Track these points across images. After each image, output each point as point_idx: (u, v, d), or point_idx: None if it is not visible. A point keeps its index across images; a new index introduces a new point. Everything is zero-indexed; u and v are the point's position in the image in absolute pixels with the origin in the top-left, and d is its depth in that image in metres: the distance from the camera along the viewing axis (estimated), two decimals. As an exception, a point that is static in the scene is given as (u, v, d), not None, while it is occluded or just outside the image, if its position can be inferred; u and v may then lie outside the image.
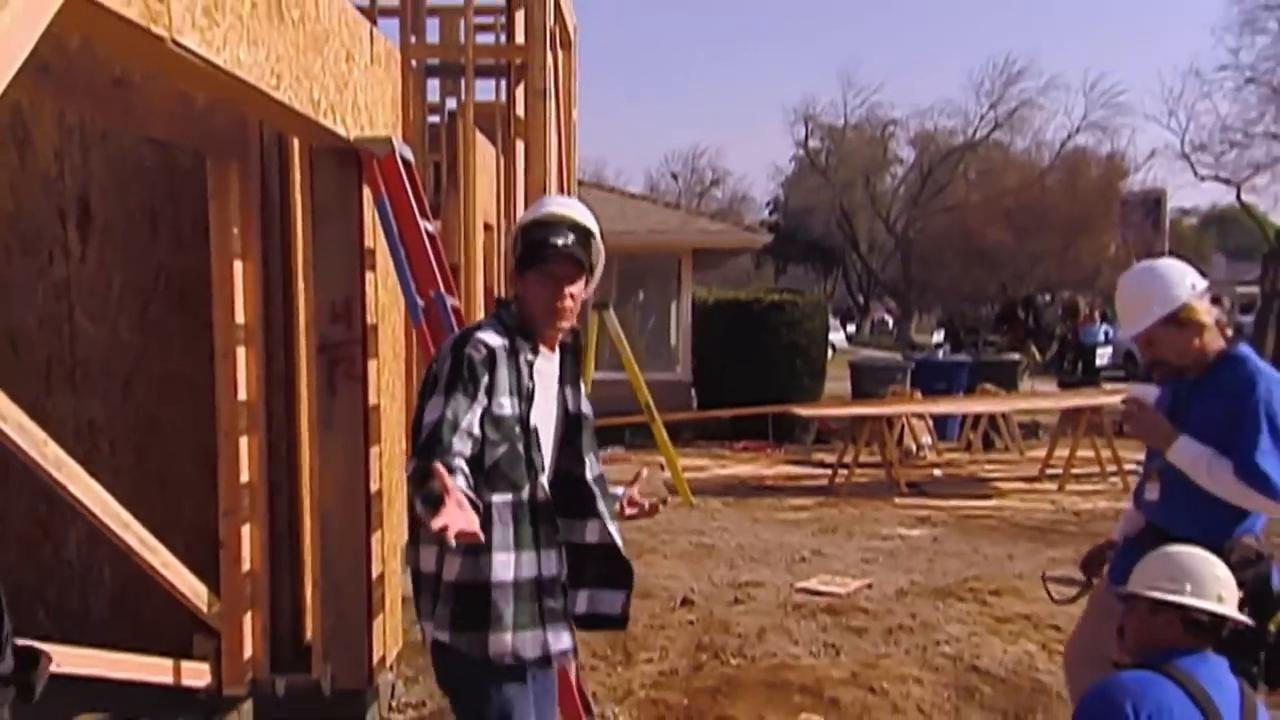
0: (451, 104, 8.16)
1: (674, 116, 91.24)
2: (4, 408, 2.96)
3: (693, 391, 14.81)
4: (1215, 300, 3.00)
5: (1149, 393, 3.10)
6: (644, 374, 9.99)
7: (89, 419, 4.55)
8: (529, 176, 6.74)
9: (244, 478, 4.17)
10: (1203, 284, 2.97)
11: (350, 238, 4.08)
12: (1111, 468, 10.10)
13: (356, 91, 3.89)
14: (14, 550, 4.64)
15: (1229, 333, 3.00)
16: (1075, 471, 10.13)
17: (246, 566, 4.17)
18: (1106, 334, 23.05)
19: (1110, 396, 11.22)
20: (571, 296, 2.59)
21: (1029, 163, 35.22)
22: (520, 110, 6.86)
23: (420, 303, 4.01)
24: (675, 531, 7.92)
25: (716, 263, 20.65)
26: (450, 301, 4.09)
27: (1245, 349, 3.00)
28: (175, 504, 4.42)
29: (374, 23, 8.07)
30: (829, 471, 10.49)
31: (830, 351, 18.02)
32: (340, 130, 3.71)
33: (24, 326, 4.50)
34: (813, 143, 43.05)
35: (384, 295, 4.39)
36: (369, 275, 4.13)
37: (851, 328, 46.86)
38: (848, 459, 10.17)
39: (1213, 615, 2.39)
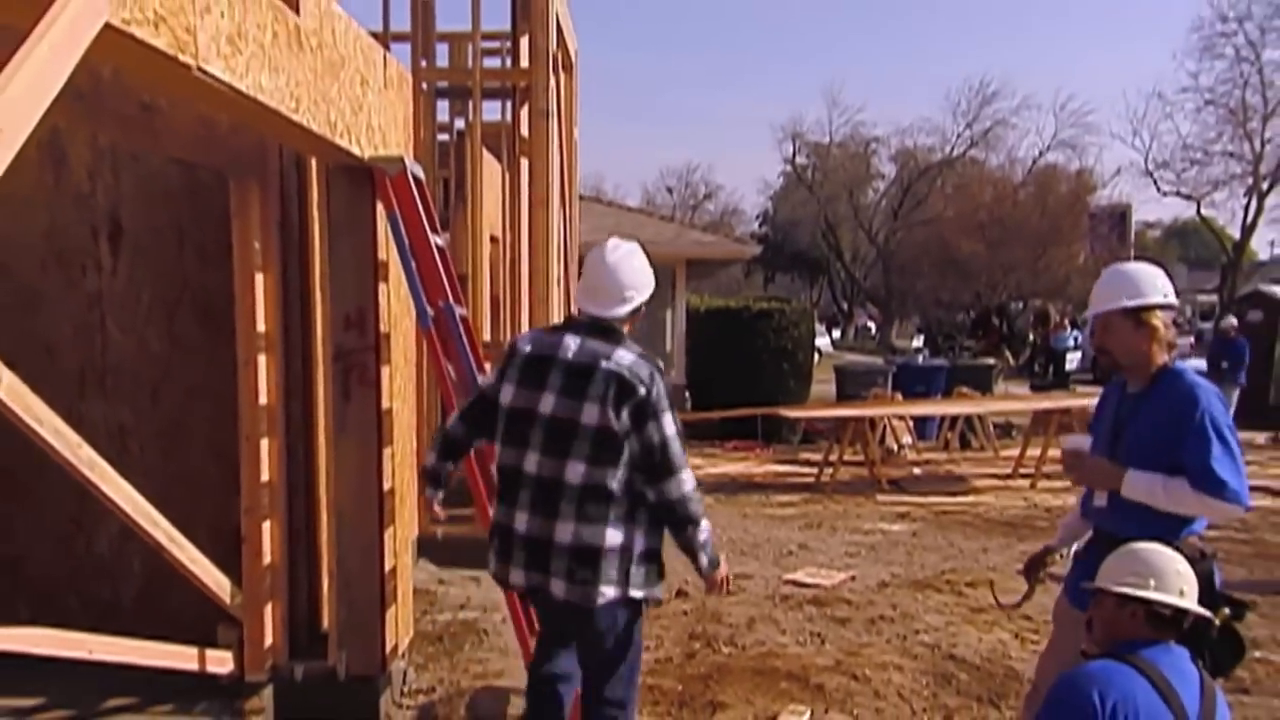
0: (460, 124, 8.17)
1: (669, 134, 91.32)
2: (41, 413, 2.96)
3: (686, 394, 14.81)
4: (1175, 323, 3.00)
5: (1082, 443, 3.09)
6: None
7: (119, 423, 4.56)
8: (533, 192, 6.73)
9: (264, 477, 4.16)
10: (1173, 300, 2.96)
11: (364, 251, 4.08)
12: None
13: (370, 113, 3.90)
14: (50, 544, 4.64)
15: (1174, 354, 2.99)
16: (1046, 470, 10.13)
17: (267, 560, 4.17)
18: (1075, 340, 23.09)
19: (1079, 399, 11.24)
20: None
21: (1003, 178, 35.30)
22: (525, 130, 6.86)
23: (430, 311, 4.02)
24: (670, 526, 7.90)
25: (709, 272, 20.66)
26: (459, 311, 4.09)
27: (1181, 364, 3.00)
28: (199, 502, 4.42)
29: (387, 47, 8.11)
30: (815, 470, 10.48)
31: (816, 356, 18.01)
32: (355, 150, 3.71)
33: (59, 336, 4.50)
34: (799, 159, 43.08)
35: (396, 305, 4.39)
36: (381, 286, 4.13)
37: (836, 333, 46.87)
38: (833, 458, 10.16)
39: (1175, 609, 2.40)
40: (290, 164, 4.30)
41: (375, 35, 7.88)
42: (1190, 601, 2.42)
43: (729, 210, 51.20)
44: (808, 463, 11.42)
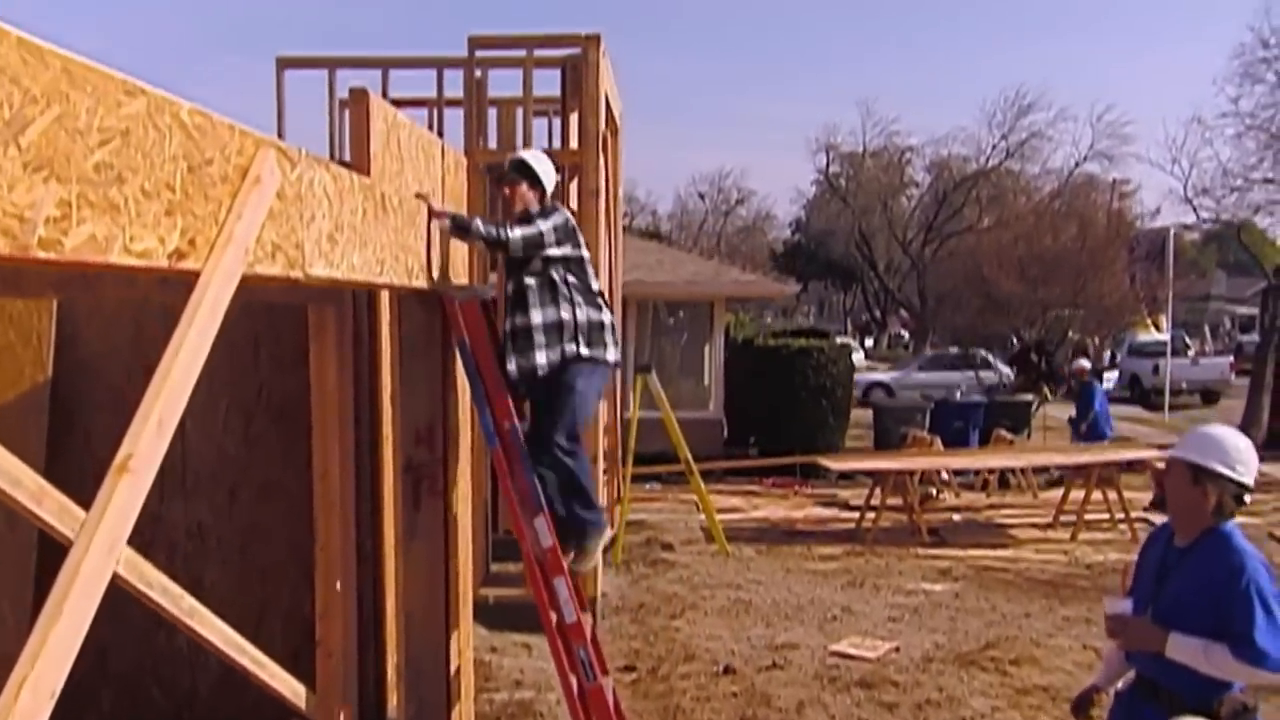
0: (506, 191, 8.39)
1: (701, 139, 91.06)
2: (152, 577, 3.13)
3: (723, 426, 14.92)
4: (1239, 499, 3.01)
5: (1123, 606, 3.19)
6: (678, 412, 10.08)
7: (199, 521, 4.78)
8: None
9: (338, 583, 4.37)
10: (1243, 479, 3.00)
11: (434, 370, 4.28)
12: (1120, 516, 10.14)
13: (441, 242, 4.09)
14: (132, 636, 4.87)
15: (1225, 519, 3.05)
16: (1087, 518, 10.17)
17: (340, 662, 4.37)
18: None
19: (1118, 453, 11.25)
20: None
21: (1039, 190, 35.16)
22: (574, 203, 7.04)
23: (496, 431, 4.21)
24: (714, 585, 8.05)
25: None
26: (523, 428, 4.28)
27: (1230, 526, 3.04)
28: (273, 593, 4.65)
29: (440, 114, 8.33)
30: (855, 514, 10.59)
31: (850, 372, 18.00)
32: (427, 286, 3.90)
33: (142, 441, 4.73)
34: (833, 168, 43.00)
35: (462, 417, 4.58)
36: (450, 402, 4.33)
37: (869, 342, 46.77)
38: (874, 502, 10.26)
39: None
40: (361, 290, 4.50)
41: (429, 102, 8.17)
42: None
43: (761, 215, 51.24)
44: (847, 505, 11.52)
